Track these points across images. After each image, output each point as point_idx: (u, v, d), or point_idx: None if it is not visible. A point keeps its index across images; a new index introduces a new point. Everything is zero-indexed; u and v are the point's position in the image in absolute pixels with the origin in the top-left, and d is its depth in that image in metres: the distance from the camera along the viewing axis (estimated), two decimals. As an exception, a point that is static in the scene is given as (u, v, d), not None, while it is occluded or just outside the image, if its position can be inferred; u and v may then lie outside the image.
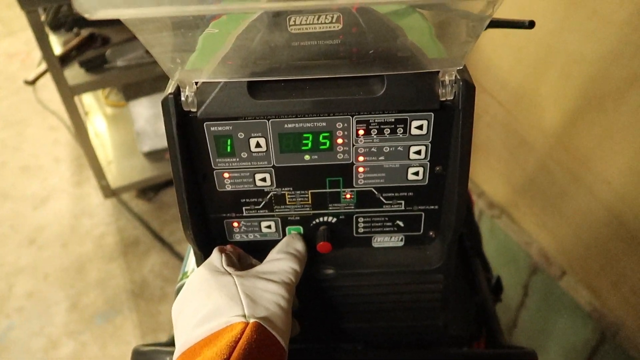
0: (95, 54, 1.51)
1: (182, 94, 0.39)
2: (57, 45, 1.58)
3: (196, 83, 0.39)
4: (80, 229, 1.83)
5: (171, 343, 0.52)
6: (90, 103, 2.11)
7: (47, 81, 1.43)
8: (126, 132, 1.91)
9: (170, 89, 0.39)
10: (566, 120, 1.00)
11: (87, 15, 0.25)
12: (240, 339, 0.36)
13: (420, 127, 0.41)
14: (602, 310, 1.02)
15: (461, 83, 0.38)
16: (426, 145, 0.42)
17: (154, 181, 1.77)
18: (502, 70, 1.14)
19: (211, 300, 0.39)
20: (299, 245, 0.46)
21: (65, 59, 1.50)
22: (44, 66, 1.46)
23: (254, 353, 0.36)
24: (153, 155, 1.78)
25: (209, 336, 0.37)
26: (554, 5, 0.93)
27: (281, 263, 0.43)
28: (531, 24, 0.47)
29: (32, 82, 1.53)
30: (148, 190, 1.90)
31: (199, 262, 0.47)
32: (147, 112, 1.80)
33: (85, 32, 1.59)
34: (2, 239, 1.81)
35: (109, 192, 1.72)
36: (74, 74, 1.48)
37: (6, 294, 1.62)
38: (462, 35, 0.37)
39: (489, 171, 1.30)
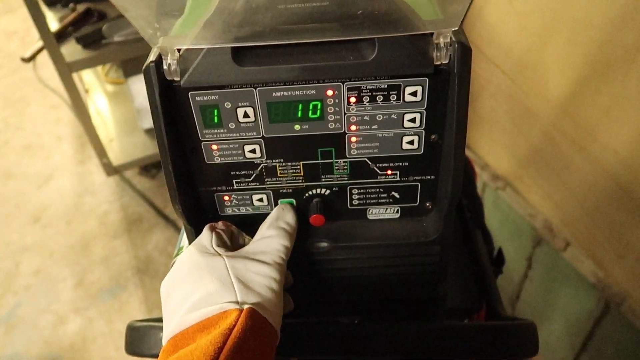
0: (92, 30, 1.48)
1: (164, 62, 0.37)
2: (53, 21, 1.55)
3: (178, 51, 0.37)
4: (84, 207, 1.83)
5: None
6: (91, 80, 2.09)
7: (47, 59, 1.41)
8: (127, 109, 1.90)
9: (151, 57, 0.37)
10: (572, 89, 0.97)
11: None
12: (234, 326, 0.35)
13: (414, 94, 0.39)
14: (606, 281, 1.01)
15: (457, 45, 0.36)
16: (421, 113, 0.40)
17: (156, 158, 1.76)
18: (506, 38, 1.11)
19: (203, 284, 0.38)
20: (289, 217, 0.45)
21: (61, 35, 1.47)
22: (40, 43, 1.44)
23: (248, 339, 0.35)
24: (154, 132, 1.77)
25: (202, 321, 0.37)
26: (560, -32, 0.89)
27: (272, 241, 0.42)
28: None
29: (29, 60, 1.51)
30: (150, 167, 1.89)
31: (190, 237, 0.46)
32: (146, 88, 1.78)
33: (81, 7, 1.56)
34: (7, 217, 1.82)
35: (111, 169, 1.71)
36: (71, 50, 1.45)
37: (13, 272, 1.64)
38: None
39: (492, 143, 1.27)
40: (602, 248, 1.00)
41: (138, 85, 1.77)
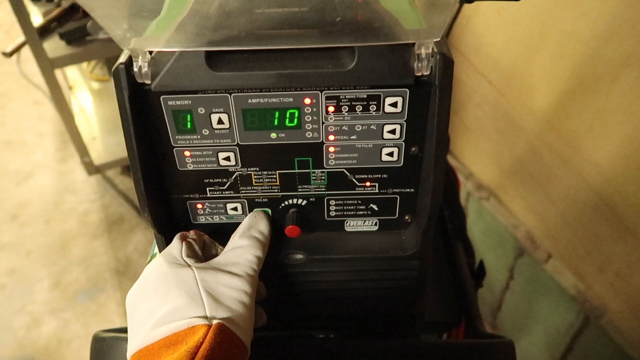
0: (77, 26, 1.46)
1: (134, 64, 0.36)
2: (37, 15, 1.52)
3: (150, 53, 0.36)
4: (64, 206, 1.80)
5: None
6: (75, 77, 2.05)
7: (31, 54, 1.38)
8: (111, 107, 1.87)
9: (121, 58, 0.36)
10: (557, 102, 0.97)
11: None
12: (202, 343, 0.34)
13: (394, 105, 0.38)
14: (586, 294, 1.01)
15: (438, 57, 0.35)
16: (401, 124, 0.39)
17: (139, 158, 1.73)
18: (494, 48, 1.11)
19: (170, 298, 0.36)
20: (263, 226, 0.43)
21: (45, 31, 1.44)
22: (22, 38, 1.41)
23: (216, 357, 0.34)
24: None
25: (169, 336, 0.35)
26: (548, -19, 0.90)
27: (243, 251, 0.41)
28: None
29: (10, 54, 1.47)
30: (133, 167, 1.86)
31: (160, 247, 0.44)
32: (131, 87, 1.75)
33: (66, 3, 1.53)
34: (-17, 215, 1.78)
35: (92, 168, 1.68)
36: (54, 46, 1.43)
37: (-12, 270, 1.60)
38: (440, 2, 0.34)
39: (478, 152, 1.27)
40: (583, 261, 1.00)
41: (123, 84, 1.74)
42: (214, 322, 0.35)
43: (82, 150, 1.63)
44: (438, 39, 0.35)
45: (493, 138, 1.21)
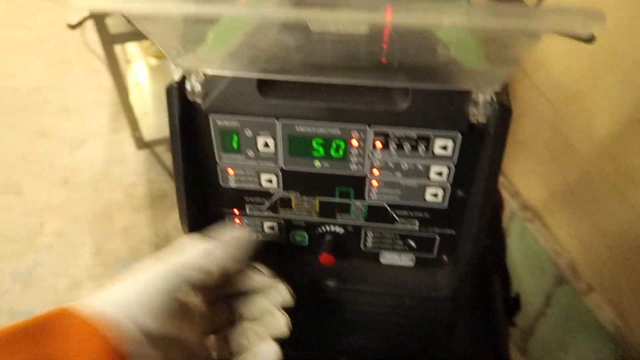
0: (140, 4, 1.49)
1: (187, 83, 0.36)
2: (103, -10, 1.56)
3: (204, 74, 0.36)
4: (112, 176, 1.86)
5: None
6: (134, 52, 2.10)
7: (96, 24, 1.43)
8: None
9: (175, 76, 0.36)
10: (618, 131, 0.92)
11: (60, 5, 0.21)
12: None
13: (444, 147, 0.37)
14: (625, 332, 0.96)
15: (497, 106, 0.34)
16: (449, 167, 0.38)
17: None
18: (556, 67, 1.06)
19: None
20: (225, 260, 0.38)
21: (109, 6, 1.48)
22: (87, 12, 1.45)
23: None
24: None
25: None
26: (621, 4, 0.84)
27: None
28: (589, 39, 0.41)
29: (75, 26, 1.52)
30: (180, 145, 1.90)
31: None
32: (186, 67, 1.78)
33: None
34: (38, 175, 1.86)
35: (141, 143, 1.73)
36: (116, 22, 1.47)
37: (37, 229, 1.68)
38: (509, 54, 0.32)
39: (527, 171, 1.23)
40: (626, 298, 0.96)
41: (178, 63, 1.77)
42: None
43: (134, 125, 1.68)
44: (498, 90, 0.33)
45: (545, 158, 1.16)
